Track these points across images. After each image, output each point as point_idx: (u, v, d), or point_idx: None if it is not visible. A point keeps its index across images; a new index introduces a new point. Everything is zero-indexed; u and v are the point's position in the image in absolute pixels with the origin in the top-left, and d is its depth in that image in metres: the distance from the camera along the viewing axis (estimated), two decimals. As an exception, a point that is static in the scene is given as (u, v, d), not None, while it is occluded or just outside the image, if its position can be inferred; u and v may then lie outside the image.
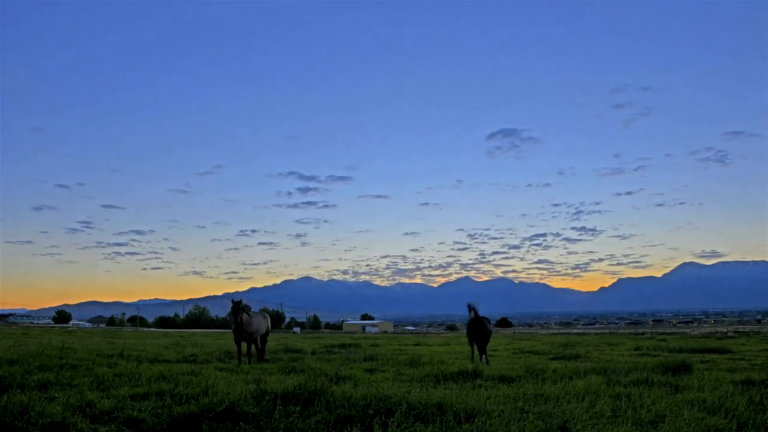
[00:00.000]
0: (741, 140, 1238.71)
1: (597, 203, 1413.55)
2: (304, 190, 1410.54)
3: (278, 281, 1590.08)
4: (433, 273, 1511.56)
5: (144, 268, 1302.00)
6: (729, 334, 50.89)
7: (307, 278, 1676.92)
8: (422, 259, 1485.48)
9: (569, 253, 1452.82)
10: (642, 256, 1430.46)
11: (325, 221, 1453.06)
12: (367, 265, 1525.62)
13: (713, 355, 19.32)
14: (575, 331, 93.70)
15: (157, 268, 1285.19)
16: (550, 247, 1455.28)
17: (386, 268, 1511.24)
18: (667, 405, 7.76)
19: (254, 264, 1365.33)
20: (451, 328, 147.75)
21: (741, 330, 66.85)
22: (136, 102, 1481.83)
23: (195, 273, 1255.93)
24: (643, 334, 54.86)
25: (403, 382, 10.69)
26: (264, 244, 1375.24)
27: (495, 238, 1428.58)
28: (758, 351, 22.10)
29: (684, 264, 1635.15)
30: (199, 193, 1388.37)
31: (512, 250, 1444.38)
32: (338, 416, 6.72)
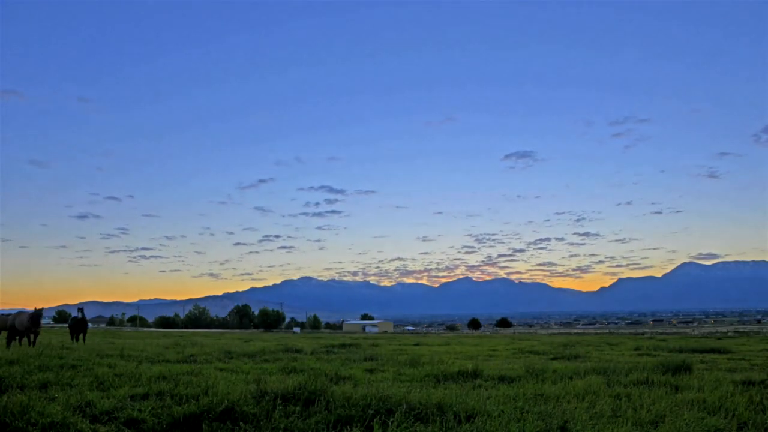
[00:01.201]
0: (729, 159, 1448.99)
1: (599, 212, 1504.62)
2: (332, 201, 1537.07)
3: (278, 281, 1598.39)
4: (440, 274, 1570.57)
5: (162, 270, 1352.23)
6: (729, 334, 50.88)
7: (307, 278, 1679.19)
8: (430, 262, 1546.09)
9: (571, 255, 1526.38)
10: (642, 258, 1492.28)
11: (345, 228, 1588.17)
12: (377, 267, 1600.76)
13: (713, 355, 19.32)
14: (575, 331, 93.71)
15: (177, 270, 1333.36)
16: (553, 250, 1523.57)
17: (395, 270, 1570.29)
18: (667, 405, 7.76)
19: (270, 266, 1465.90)
20: (451, 328, 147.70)
21: (741, 330, 66.87)
22: (191, 121, 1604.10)
23: (211, 275, 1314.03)
24: (643, 334, 54.85)
25: (403, 382, 10.69)
26: (284, 248, 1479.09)
27: (502, 243, 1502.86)
28: (758, 351, 22.09)
29: (684, 264, 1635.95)
30: (238, 203, 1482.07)
31: (517, 254, 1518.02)
32: (338, 416, 6.72)
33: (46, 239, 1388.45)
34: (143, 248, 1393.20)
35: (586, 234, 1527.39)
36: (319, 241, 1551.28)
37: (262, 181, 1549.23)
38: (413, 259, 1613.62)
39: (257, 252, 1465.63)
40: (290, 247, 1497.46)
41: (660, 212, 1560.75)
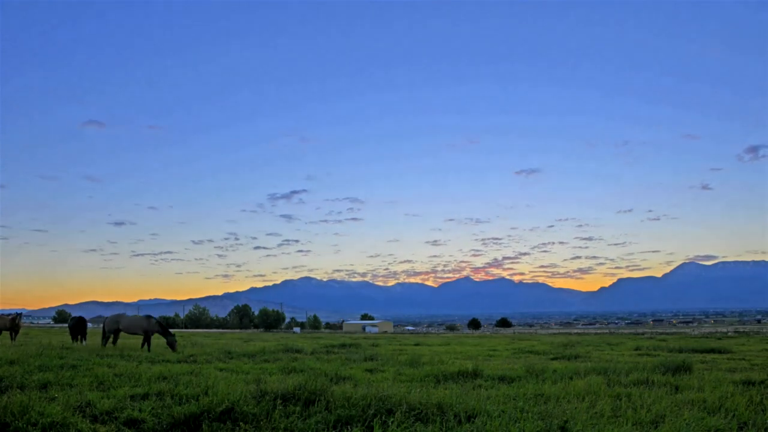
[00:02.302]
0: (721, 173, 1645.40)
1: (600, 219, 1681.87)
2: (354, 210, 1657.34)
3: (278, 281, 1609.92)
4: (445, 276, 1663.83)
5: (179, 272, 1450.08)
6: (729, 334, 50.86)
7: (307, 278, 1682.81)
8: (438, 263, 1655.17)
9: (573, 258, 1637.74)
10: (642, 260, 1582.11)
11: (362, 233, 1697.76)
12: (385, 269, 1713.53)
13: (713, 355, 19.33)
14: (575, 331, 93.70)
15: (194, 272, 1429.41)
16: (556, 253, 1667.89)
17: (403, 272, 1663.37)
18: (667, 405, 7.76)
19: (284, 268, 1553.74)
20: (451, 328, 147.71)
21: (741, 330, 66.81)
22: (232, 141, 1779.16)
23: (224, 276, 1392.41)
24: (643, 334, 54.85)
25: (403, 382, 10.69)
26: (301, 251, 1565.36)
27: (508, 246, 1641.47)
28: (758, 351, 22.10)
29: (684, 264, 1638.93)
30: (269, 213, 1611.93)
31: (521, 257, 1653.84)
32: (338, 416, 6.72)
33: (79, 243, 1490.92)
34: (166, 252, 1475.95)
35: (588, 238, 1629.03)
36: (334, 245, 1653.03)
37: (294, 192, 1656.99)
38: (422, 262, 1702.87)
39: (275, 255, 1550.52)
40: (307, 251, 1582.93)
41: (658, 219, 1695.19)
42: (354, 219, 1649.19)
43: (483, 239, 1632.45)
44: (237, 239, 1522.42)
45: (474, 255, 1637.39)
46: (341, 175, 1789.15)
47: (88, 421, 6.76)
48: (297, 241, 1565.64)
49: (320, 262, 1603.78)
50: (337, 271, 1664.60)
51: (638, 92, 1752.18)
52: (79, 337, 24.60)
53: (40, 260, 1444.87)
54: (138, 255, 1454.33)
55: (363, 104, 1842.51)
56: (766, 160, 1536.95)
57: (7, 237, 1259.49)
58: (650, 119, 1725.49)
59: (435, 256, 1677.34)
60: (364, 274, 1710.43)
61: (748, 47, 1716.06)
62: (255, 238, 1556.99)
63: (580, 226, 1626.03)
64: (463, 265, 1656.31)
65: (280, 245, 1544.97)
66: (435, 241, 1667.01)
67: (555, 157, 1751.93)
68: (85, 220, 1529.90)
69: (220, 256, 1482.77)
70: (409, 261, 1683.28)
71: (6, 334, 26.60)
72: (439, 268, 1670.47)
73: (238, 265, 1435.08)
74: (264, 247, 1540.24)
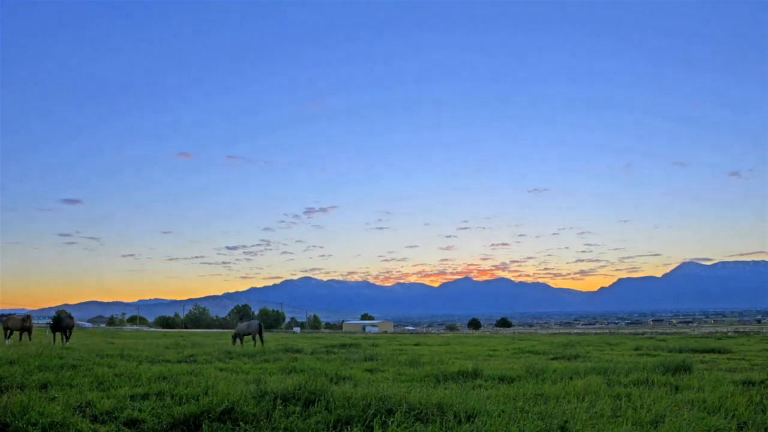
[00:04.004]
0: (712, 188, 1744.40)
1: (601, 226, 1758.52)
2: (382, 221, 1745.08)
3: (278, 281, 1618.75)
4: (453, 276, 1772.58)
5: (202, 275, 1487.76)
6: (729, 334, 50.80)
7: (307, 278, 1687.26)
8: (447, 266, 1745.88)
9: (576, 260, 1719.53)
10: (642, 263, 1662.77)
11: (382, 240, 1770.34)
12: (397, 271, 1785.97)
13: (713, 355, 19.32)
14: (575, 331, 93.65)
15: (217, 274, 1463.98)
16: (558, 257, 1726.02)
17: (413, 273, 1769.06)
18: (667, 405, 7.76)
19: (302, 270, 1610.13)
20: (451, 328, 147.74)
21: (741, 330, 66.73)
22: (284, 163, 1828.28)
23: (245, 277, 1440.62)
24: (643, 334, 54.84)
25: (403, 382, 10.70)
26: (322, 256, 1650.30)
27: (514, 251, 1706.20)
28: (758, 351, 22.10)
29: (684, 264, 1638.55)
30: (305, 223, 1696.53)
31: (526, 260, 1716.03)
32: (338, 416, 6.72)
33: (120, 249, 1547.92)
34: (196, 256, 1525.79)
35: (590, 244, 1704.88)
36: (356, 250, 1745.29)
37: (333, 206, 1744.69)
38: (433, 265, 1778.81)
39: (295, 259, 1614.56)
40: (329, 255, 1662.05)
41: (658, 227, 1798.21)
42: (379, 228, 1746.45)
43: (492, 244, 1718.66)
44: (268, 245, 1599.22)
45: (482, 259, 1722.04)
46: (376, 191, 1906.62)
47: (88, 421, 6.77)
48: (322, 246, 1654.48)
49: (335, 265, 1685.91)
50: (351, 273, 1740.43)
51: (634, 128, 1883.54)
52: (60, 334, 25.12)
53: (69, 260, 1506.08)
54: (172, 259, 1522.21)
55: (402, 131, 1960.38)
56: (751, 180, 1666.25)
57: (57, 244, 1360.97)
58: (644, 150, 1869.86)
59: (445, 259, 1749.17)
60: (376, 276, 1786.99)
61: (729, 94, 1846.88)
62: (285, 244, 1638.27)
63: (582, 233, 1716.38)
64: (471, 268, 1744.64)
65: (304, 251, 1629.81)
66: (448, 246, 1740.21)
67: (561, 179, 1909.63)
68: (135, 230, 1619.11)
69: (247, 260, 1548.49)
70: (421, 264, 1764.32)
71: (16, 334, 26.83)
72: (448, 270, 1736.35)
73: (260, 268, 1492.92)
74: (289, 252, 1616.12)
